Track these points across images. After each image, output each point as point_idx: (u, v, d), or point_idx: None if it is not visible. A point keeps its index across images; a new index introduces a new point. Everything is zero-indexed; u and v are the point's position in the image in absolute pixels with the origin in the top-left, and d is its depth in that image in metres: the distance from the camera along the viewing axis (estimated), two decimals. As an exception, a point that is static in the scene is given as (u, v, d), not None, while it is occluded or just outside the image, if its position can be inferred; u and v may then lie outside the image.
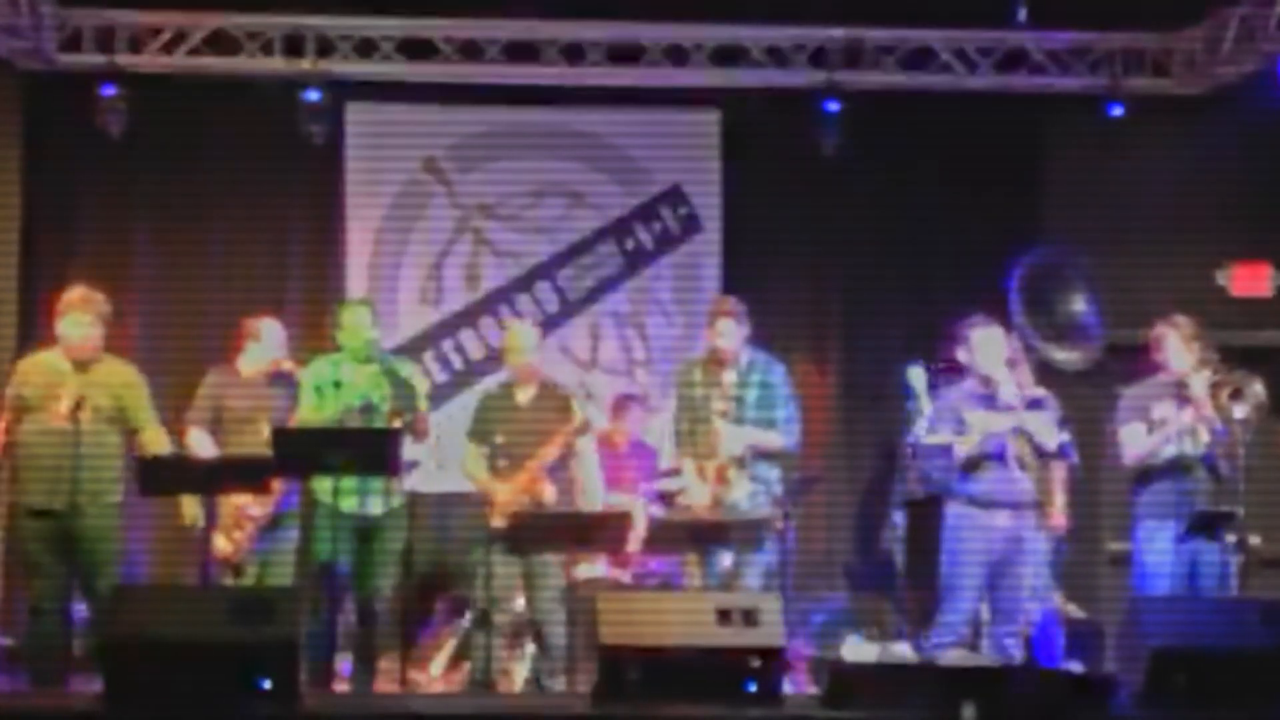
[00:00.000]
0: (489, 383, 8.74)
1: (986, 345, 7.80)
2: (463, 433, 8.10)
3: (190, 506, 7.65)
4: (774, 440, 7.95)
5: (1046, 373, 8.83)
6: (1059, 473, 8.28)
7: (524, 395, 7.93)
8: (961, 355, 7.87)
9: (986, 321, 7.88)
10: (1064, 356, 9.63)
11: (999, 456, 7.69)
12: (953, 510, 7.74)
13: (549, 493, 7.76)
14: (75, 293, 7.74)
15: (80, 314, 7.63)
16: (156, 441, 7.70)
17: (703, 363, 8.09)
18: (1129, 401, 7.98)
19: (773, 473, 7.99)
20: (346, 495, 7.53)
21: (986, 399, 7.75)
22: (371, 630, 7.78)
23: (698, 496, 7.91)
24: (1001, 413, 7.70)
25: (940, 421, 7.78)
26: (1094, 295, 9.77)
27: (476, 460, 7.92)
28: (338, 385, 7.71)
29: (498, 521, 7.68)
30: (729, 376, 7.94)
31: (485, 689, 7.69)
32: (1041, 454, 7.79)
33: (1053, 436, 7.80)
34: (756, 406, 7.92)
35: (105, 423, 7.60)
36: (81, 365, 7.62)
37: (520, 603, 7.94)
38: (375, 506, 7.66)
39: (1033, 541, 7.79)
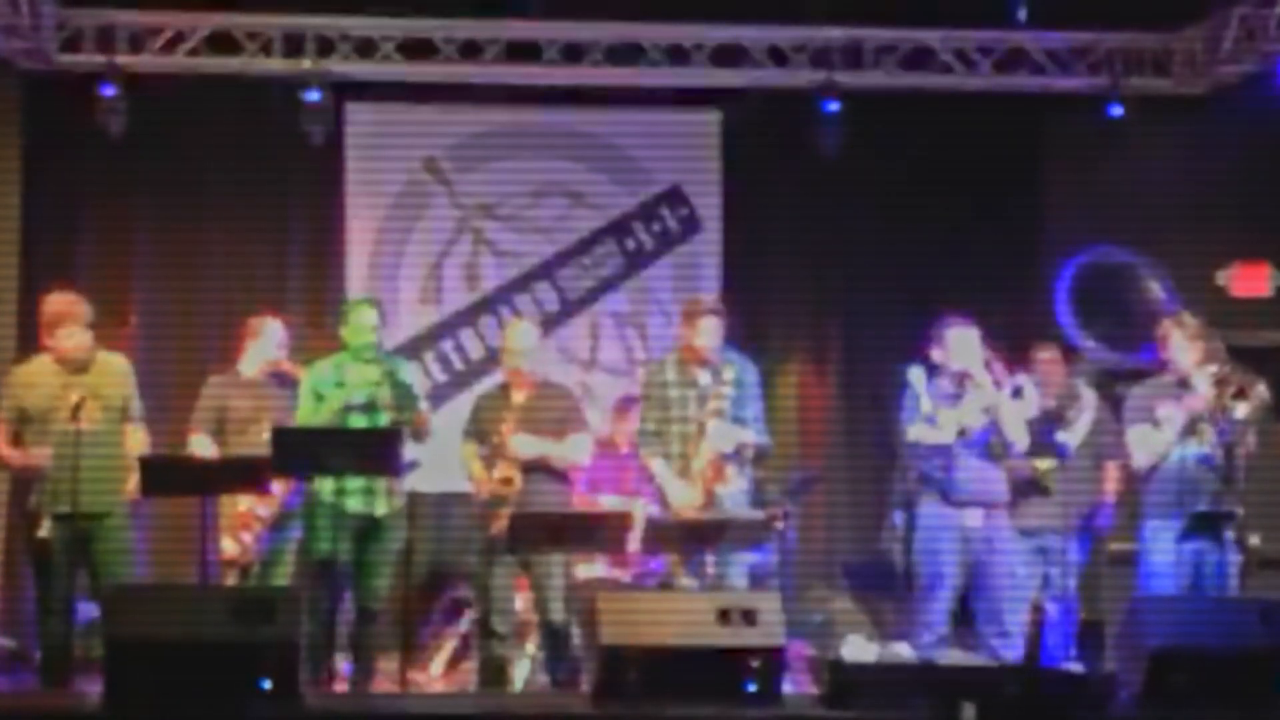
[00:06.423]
0: (487, 383, 8.73)
1: (962, 345, 7.86)
2: (459, 432, 8.05)
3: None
4: (752, 438, 7.89)
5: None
6: (1112, 472, 8.34)
7: (519, 396, 7.85)
8: (937, 355, 7.92)
9: (963, 322, 7.93)
10: (1114, 358, 9.54)
11: (975, 452, 7.79)
12: (925, 509, 7.78)
13: (518, 480, 7.71)
14: (59, 302, 7.69)
15: (71, 326, 7.59)
16: (135, 436, 7.68)
17: (677, 361, 7.88)
18: (1135, 402, 7.95)
19: (755, 471, 7.96)
20: (352, 495, 7.63)
21: (960, 397, 7.81)
22: (370, 630, 7.81)
23: (680, 497, 7.75)
24: (975, 409, 7.77)
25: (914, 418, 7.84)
26: (1173, 295, 9.68)
27: (476, 461, 7.89)
28: (340, 385, 7.73)
29: (498, 523, 7.65)
30: (712, 375, 7.77)
31: (489, 688, 7.68)
32: (1011, 452, 7.89)
33: (1023, 436, 7.87)
34: (735, 405, 7.83)
35: (111, 421, 7.59)
36: (78, 368, 7.61)
37: (519, 604, 7.93)
38: (379, 507, 7.70)
39: (1005, 542, 7.86)
